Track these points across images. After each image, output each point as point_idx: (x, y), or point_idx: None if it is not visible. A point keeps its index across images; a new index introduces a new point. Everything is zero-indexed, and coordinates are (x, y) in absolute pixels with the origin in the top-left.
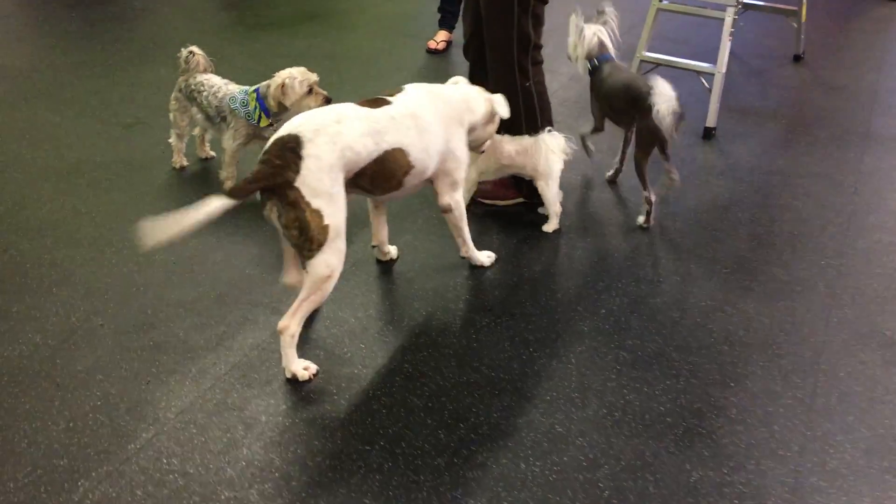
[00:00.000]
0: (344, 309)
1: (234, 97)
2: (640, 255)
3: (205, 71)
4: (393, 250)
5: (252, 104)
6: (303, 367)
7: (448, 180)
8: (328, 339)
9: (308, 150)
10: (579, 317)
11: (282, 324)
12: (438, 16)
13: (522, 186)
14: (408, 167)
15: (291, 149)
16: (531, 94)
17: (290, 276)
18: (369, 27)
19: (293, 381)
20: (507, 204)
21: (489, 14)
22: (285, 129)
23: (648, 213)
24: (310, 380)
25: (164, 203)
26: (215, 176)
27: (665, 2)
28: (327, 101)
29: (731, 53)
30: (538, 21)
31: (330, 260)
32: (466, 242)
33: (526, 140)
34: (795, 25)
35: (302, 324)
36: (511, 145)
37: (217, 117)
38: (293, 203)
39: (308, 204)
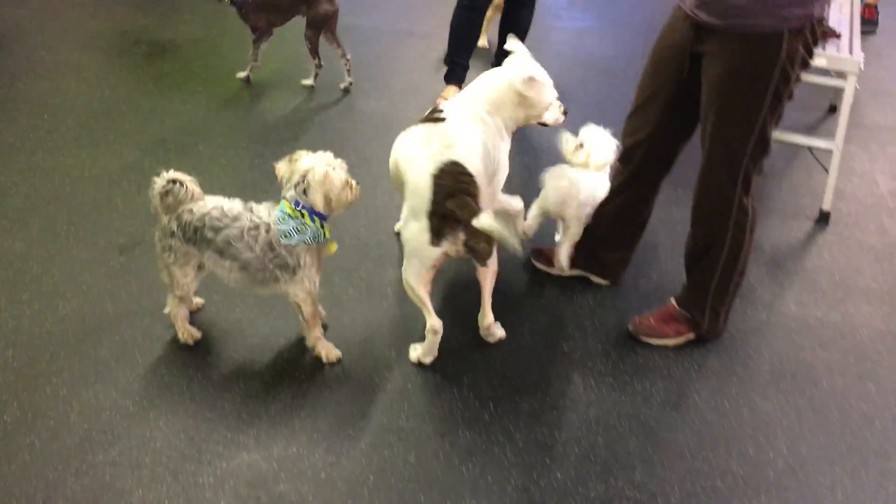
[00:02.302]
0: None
1: (285, 232)
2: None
3: (196, 199)
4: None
5: (308, 220)
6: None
7: (493, 191)
8: None
9: (471, 168)
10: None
11: (486, 323)
12: (445, 69)
13: (699, 320)
14: (475, 190)
15: (462, 172)
16: (747, 213)
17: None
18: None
19: None
20: (677, 343)
21: (726, 108)
22: (430, 163)
23: (317, 76)
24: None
25: (269, 392)
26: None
27: None
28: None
29: None
30: (779, 121)
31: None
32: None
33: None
34: None
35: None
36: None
37: (269, 265)
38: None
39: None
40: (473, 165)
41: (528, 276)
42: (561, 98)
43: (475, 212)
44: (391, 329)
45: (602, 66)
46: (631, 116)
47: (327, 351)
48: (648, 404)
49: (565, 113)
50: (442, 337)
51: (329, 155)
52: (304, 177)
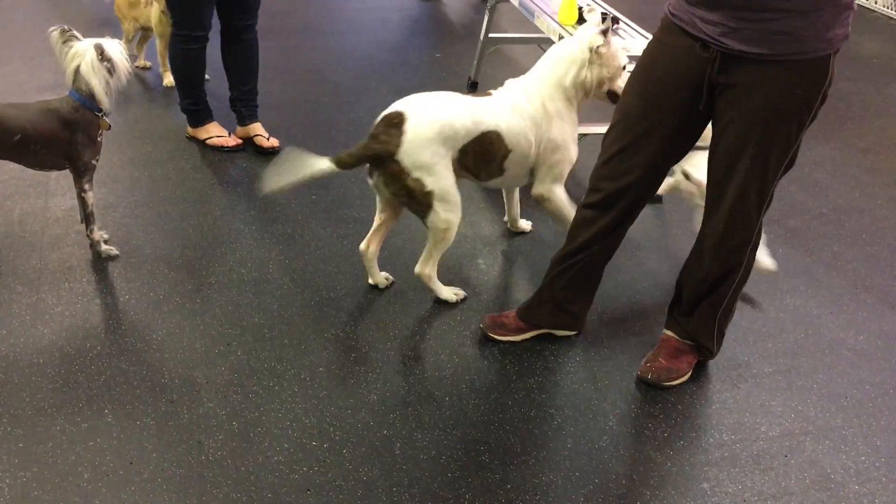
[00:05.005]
0: None
1: None
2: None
3: None
4: (526, 225)
5: None
6: (453, 293)
7: (546, 170)
8: None
9: (409, 125)
10: None
11: (418, 269)
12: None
13: (710, 346)
14: (505, 151)
15: (395, 124)
16: (761, 232)
17: (366, 244)
18: None
19: None
20: (687, 378)
21: (768, 140)
22: (392, 107)
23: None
24: (457, 303)
25: None
26: None
27: None
28: None
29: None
30: None
31: (442, 216)
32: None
33: None
34: None
35: (435, 266)
36: None
37: None
38: (396, 175)
39: (408, 175)
40: (424, 124)
41: (501, 365)
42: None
43: (348, 157)
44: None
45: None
46: (613, 158)
47: None
48: (747, 446)
49: None
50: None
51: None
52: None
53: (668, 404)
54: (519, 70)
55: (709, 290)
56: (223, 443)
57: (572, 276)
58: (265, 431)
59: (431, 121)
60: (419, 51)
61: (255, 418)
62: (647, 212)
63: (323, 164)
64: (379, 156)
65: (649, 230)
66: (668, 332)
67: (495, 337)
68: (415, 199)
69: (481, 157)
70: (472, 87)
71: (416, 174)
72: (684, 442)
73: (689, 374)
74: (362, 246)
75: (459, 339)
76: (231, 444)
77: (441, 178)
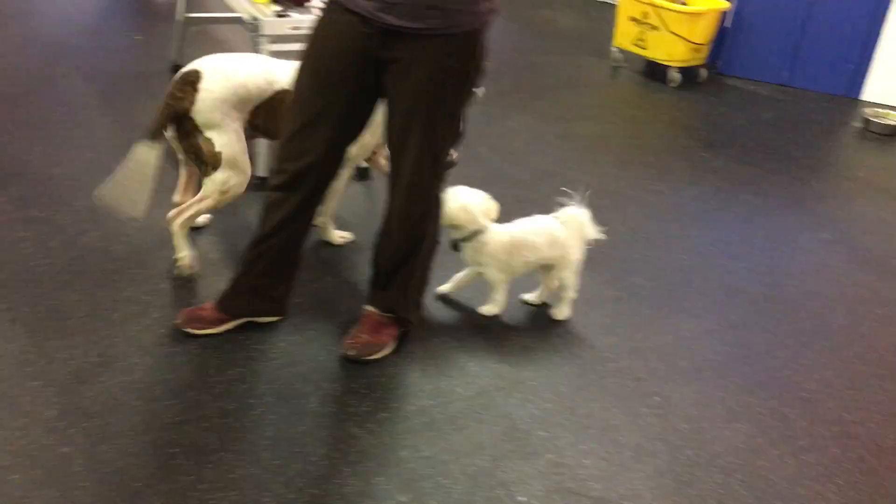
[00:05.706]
0: None
1: None
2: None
3: None
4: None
5: None
6: (186, 259)
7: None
8: None
9: (203, 84)
10: None
11: (172, 215)
12: None
13: (409, 317)
14: None
15: (190, 82)
16: (440, 203)
17: (180, 196)
18: None
19: None
20: (393, 347)
21: (434, 112)
22: (189, 65)
23: None
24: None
25: None
26: None
27: None
28: None
29: None
30: None
31: (226, 179)
32: None
33: (554, 229)
34: None
35: (188, 224)
36: (540, 237)
37: None
38: (189, 132)
39: (200, 133)
40: (218, 85)
41: (200, 361)
42: None
43: (156, 127)
44: None
45: None
46: (294, 138)
47: None
48: (444, 408)
49: None
50: None
51: None
52: None
53: (372, 378)
54: (227, 50)
55: (400, 262)
56: None
57: (269, 260)
58: None
59: (225, 80)
60: (117, 34)
61: None
62: (354, 188)
63: (149, 152)
64: (177, 113)
65: (356, 207)
66: (369, 308)
67: (193, 332)
68: (203, 159)
69: (272, 116)
70: (175, 71)
71: (207, 133)
72: (386, 413)
73: (392, 346)
74: (176, 197)
75: (152, 338)
76: None
77: (232, 142)
